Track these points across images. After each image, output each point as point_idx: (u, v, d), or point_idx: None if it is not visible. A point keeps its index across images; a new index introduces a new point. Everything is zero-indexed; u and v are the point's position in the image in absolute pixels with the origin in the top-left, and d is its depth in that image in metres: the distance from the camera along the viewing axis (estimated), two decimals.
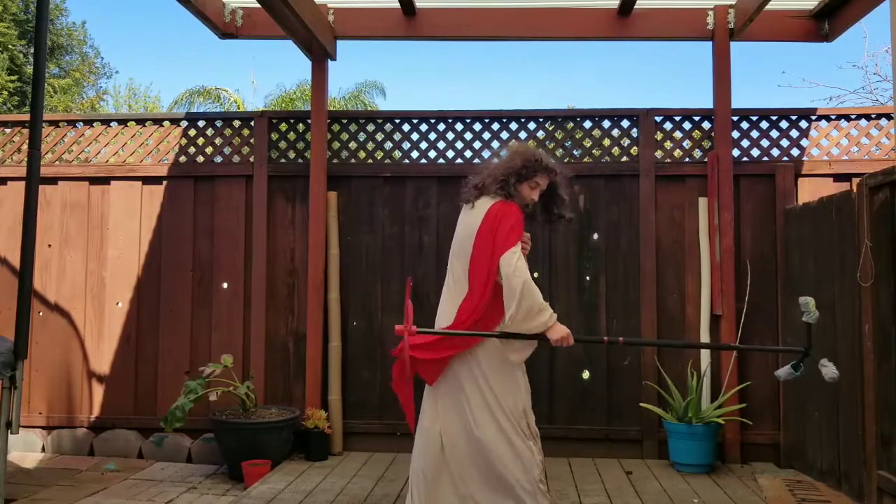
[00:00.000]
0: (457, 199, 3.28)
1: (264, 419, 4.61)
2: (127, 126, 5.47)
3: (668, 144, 5.12)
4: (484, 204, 3.09)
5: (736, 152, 5.01)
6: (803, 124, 5.06)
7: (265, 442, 4.52)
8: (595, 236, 5.05)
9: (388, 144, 5.37)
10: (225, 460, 4.70)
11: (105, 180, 5.36)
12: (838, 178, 4.92)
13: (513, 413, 3.01)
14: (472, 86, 34.88)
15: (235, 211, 5.24)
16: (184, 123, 5.39)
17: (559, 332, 2.94)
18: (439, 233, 5.07)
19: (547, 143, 5.22)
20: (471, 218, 3.11)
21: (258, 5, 4.55)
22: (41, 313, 5.29)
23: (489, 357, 3.03)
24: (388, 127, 5.36)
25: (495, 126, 5.24)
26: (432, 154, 5.26)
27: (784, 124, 5.07)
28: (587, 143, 5.20)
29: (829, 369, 2.97)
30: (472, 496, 3.02)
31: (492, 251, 2.97)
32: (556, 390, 4.96)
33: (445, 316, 3.11)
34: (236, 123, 5.41)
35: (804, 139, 5.05)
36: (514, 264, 2.91)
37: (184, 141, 5.37)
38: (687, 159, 5.10)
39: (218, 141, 5.36)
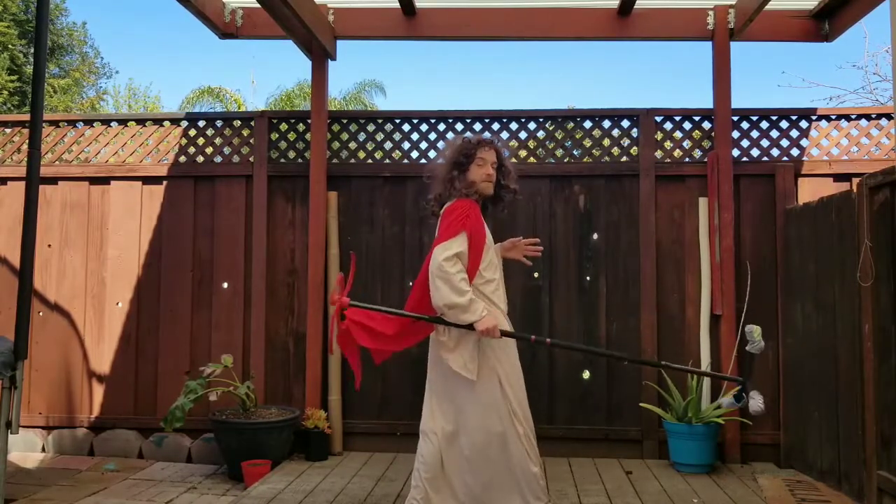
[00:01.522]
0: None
1: (264, 419, 4.61)
2: (127, 126, 5.47)
3: (668, 144, 5.12)
4: (443, 209, 3.14)
5: (736, 152, 5.01)
6: (803, 124, 5.06)
7: (265, 442, 4.52)
8: (595, 236, 5.05)
9: (388, 144, 5.37)
10: (225, 460, 4.70)
11: (105, 180, 5.36)
12: (838, 178, 4.92)
13: (504, 412, 3.01)
14: (472, 86, 34.87)
15: (235, 211, 5.24)
16: (184, 123, 5.39)
17: (485, 324, 2.93)
18: None
19: (547, 143, 5.22)
20: (437, 228, 3.15)
21: (258, 5, 4.55)
22: (41, 313, 5.29)
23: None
24: (388, 127, 5.36)
25: (495, 126, 5.24)
26: (432, 154, 5.26)
27: (784, 124, 5.07)
28: (587, 143, 5.20)
29: (755, 402, 3.10)
30: (470, 496, 3.03)
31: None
32: (556, 390, 4.95)
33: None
34: (236, 123, 5.41)
35: (804, 139, 5.05)
36: (439, 262, 2.93)
37: (184, 141, 5.37)
38: (687, 159, 5.10)
39: (218, 141, 5.36)
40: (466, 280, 2.96)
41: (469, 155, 3.15)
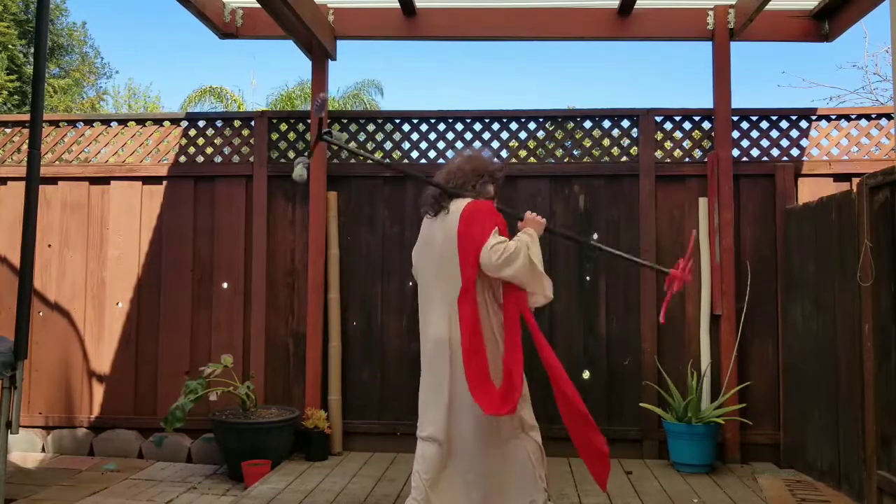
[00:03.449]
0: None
1: (264, 419, 4.61)
2: (127, 126, 5.47)
3: (668, 144, 5.12)
4: (458, 205, 3.07)
5: (736, 152, 5.01)
6: (803, 124, 5.06)
7: (265, 442, 4.52)
8: (595, 236, 5.04)
9: (388, 144, 5.37)
10: (225, 460, 4.70)
11: (105, 180, 5.36)
12: (838, 178, 4.91)
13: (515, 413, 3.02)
14: (473, 86, 34.86)
15: (235, 211, 5.24)
16: (184, 123, 5.39)
17: (537, 224, 3.13)
18: None
19: (547, 143, 5.22)
20: (446, 224, 3.05)
21: (258, 5, 4.55)
22: (41, 313, 5.29)
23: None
24: (388, 127, 5.36)
25: (495, 126, 5.24)
26: (432, 154, 5.26)
27: (784, 124, 5.07)
28: (587, 143, 5.20)
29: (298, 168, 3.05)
30: (471, 497, 3.03)
31: (475, 251, 2.94)
32: None
33: (453, 341, 3.01)
34: (236, 123, 5.41)
35: (804, 139, 5.05)
36: (487, 254, 2.89)
37: (184, 141, 5.37)
38: (687, 159, 5.10)
39: (218, 141, 5.36)
40: (504, 243, 2.94)
41: (499, 175, 3.24)
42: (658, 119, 5.12)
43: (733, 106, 4.96)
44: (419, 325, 3.22)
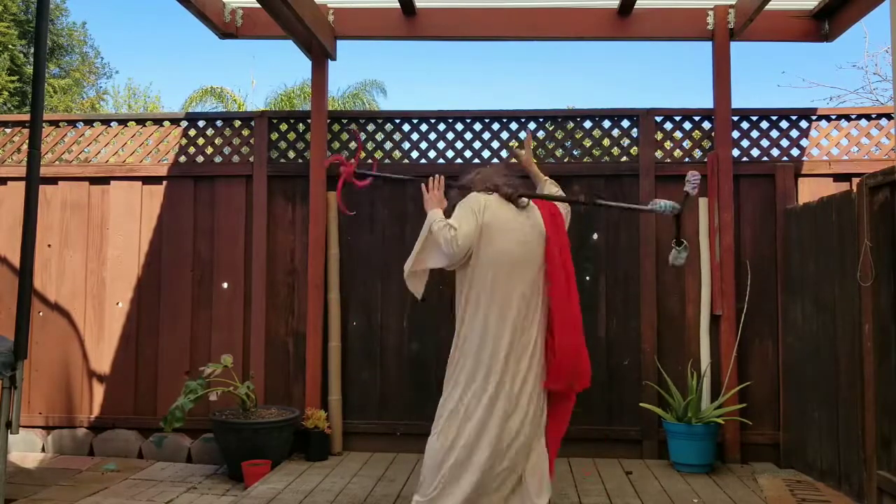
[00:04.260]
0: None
1: (264, 419, 4.61)
2: (127, 126, 5.47)
3: (668, 144, 5.12)
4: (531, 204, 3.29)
5: (736, 152, 5.01)
6: (803, 124, 5.06)
7: (265, 442, 4.52)
8: (595, 236, 5.04)
9: (388, 144, 5.37)
10: (225, 460, 4.70)
11: (105, 180, 5.36)
12: (838, 178, 4.92)
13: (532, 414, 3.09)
14: (473, 86, 34.84)
15: (235, 211, 5.24)
16: (184, 123, 5.39)
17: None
18: None
19: (547, 143, 5.22)
20: (531, 220, 3.23)
21: (258, 5, 4.55)
22: (41, 313, 5.29)
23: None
24: (389, 127, 5.36)
25: (495, 126, 5.24)
26: (432, 154, 5.27)
27: (784, 124, 5.07)
28: (587, 143, 5.20)
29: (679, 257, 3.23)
30: (471, 496, 3.04)
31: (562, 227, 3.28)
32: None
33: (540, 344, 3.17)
34: (236, 123, 5.41)
35: (804, 139, 5.05)
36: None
37: (184, 141, 5.37)
38: (687, 159, 5.10)
39: (218, 141, 5.36)
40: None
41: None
42: (658, 119, 5.12)
43: (733, 106, 4.97)
44: (468, 315, 3.11)
